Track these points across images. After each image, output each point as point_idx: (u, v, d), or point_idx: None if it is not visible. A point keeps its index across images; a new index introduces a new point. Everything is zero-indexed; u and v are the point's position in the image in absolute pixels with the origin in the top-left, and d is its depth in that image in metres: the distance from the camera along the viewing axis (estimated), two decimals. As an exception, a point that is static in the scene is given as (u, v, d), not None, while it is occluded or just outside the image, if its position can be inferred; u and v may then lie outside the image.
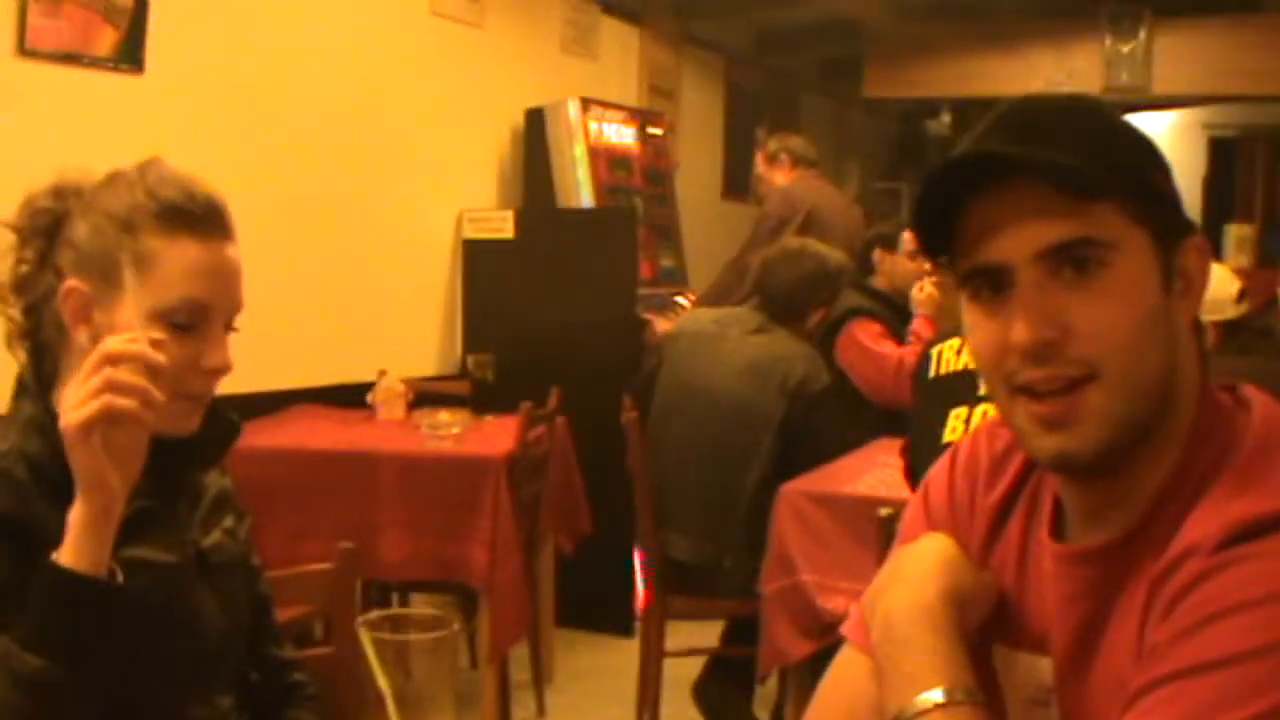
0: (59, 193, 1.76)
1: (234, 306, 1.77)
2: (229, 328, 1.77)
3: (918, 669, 1.26)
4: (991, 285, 1.25)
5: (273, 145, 5.06)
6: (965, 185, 1.25)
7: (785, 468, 4.15)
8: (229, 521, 1.92)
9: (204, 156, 4.74)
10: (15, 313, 1.78)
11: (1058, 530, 1.34)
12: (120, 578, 1.53)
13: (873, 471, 3.99)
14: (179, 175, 1.75)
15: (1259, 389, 1.30)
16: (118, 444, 1.49)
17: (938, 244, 1.29)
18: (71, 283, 1.70)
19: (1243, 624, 1.09)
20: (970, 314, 1.29)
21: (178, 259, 1.69)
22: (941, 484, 1.49)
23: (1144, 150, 1.28)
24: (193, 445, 1.79)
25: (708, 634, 4.63)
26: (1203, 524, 1.17)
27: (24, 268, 1.76)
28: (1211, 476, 1.21)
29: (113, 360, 1.48)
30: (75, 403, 1.47)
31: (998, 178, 1.23)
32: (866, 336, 5.16)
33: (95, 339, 1.65)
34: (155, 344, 1.57)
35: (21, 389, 1.76)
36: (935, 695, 1.23)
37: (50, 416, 1.65)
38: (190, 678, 1.79)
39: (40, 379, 1.75)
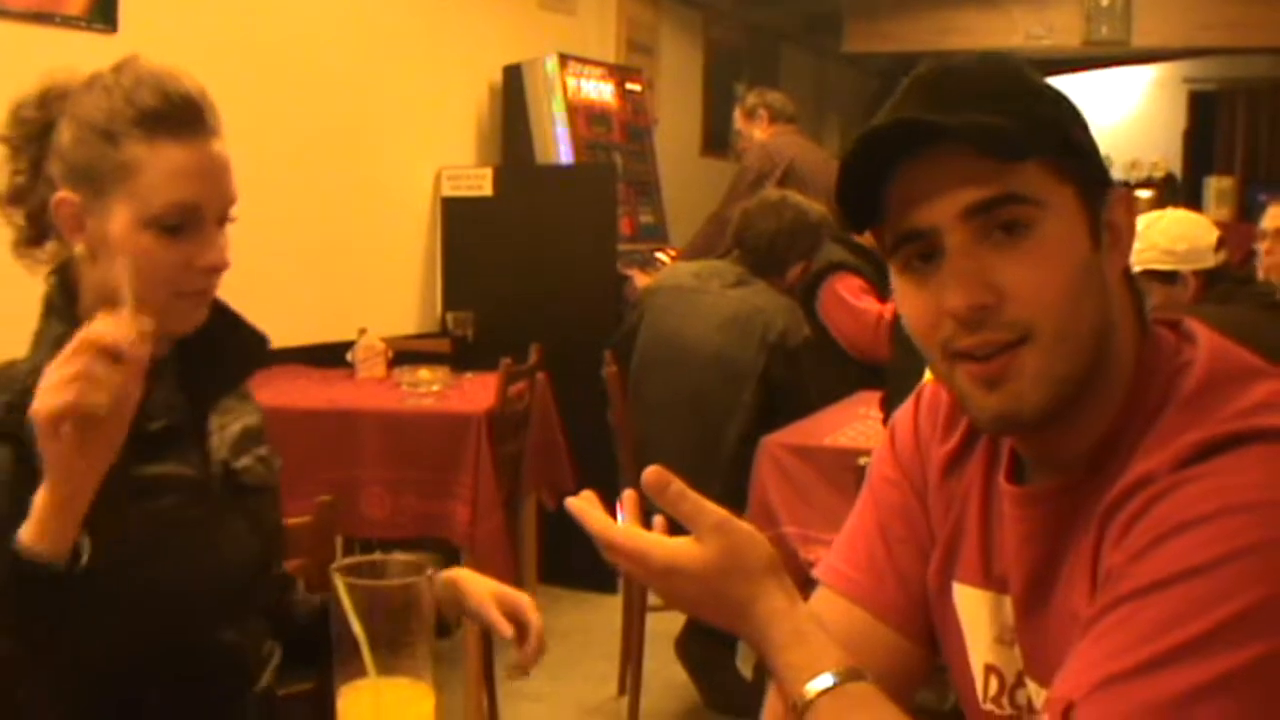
0: (44, 100, 1.76)
1: (225, 201, 1.75)
2: (224, 221, 1.76)
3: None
4: (920, 254, 1.26)
5: (249, 104, 5.02)
6: (887, 155, 1.25)
7: (766, 421, 4.16)
8: (262, 450, 1.94)
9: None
10: (19, 220, 1.79)
11: (1015, 473, 1.35)
12: (85, 558, 1.49)
13: (853, 424, 3.99)
14: (156, 74, 1.72)
15: (1205, 325, 1.31)
16: (88, 436, 1.43)
17: (864, 216, 1.29)
18: (61, 194, 1.70)
19: (1195, 540, 1.10)
20: (901, 285, 1.29)
21: (161, 164, 1.68)
22: (907, 424, 1.51)
23: (1064, 108, 1.28)
24: (220, 361, 1.84)
25: (690, 588, 4.62)
26: (1153, 454, 1.18)
27: (19, 178, 1.76)
28: (1158, 411, 1.22)
29: (92, 348, 1.41)
30: (46, 388, 1.42)
31: (919, 145, 1.23)
32: (848, 291, 5.16)
33: (92, 250, 1.71)
34: (146, 252, 1.66)
35: (49, 308, 1.78)
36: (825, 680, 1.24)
37: (69, 329, 1.61)
38: (220, 598, 1.80)
39: (66, 296, 1.76)
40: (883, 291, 5.14)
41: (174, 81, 1.72)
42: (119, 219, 1.68)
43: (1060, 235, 1.21)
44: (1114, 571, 1.15)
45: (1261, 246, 4.67)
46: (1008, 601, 1.34)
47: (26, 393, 1.58)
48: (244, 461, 1.88)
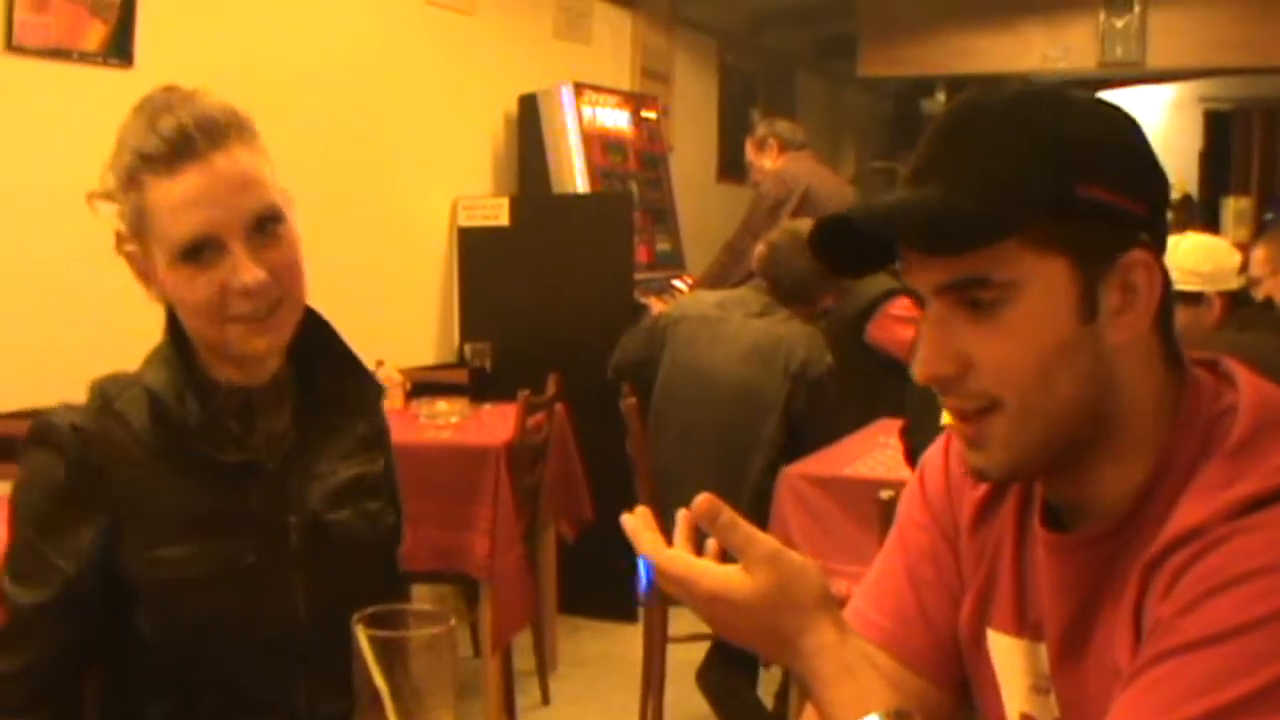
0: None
1: (243, 216, 1.69)
2: (255, 235, 1.70)
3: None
4: (922, 303, 1.27)
5: (266, 136, 5.03)
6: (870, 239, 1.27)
7: (790, 451, 4.15)
8: (373, 504, 1.92)
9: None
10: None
11: (1050, 520, 1.33)
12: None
13: (872, 453, 3.98)
14: (154, 110, 1.71)
15: (1242, 364, 1.29)
16: None
17: (869, 263, 1.31)
18: (128, 246, 1.75)
19: (1243, 595, 1.08)
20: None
21: (163, 202, 1.67)
22: (938, 467, 1.49)
23: (1079, 161, 1.20)
24: (331, 406, 1.87)
25: (711, 619, 4.60)
26: (1200, 505, 1.16)
27: (120, 223, 1.78)
28: (1201, 460, 1.20)
29: None
30: None
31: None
32: (903, 310, 5.13)
33: (163, 294, 1.74)
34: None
35: (166, 329, 1.82)
36: None
37: (177, 351, 1.76)
38: (258, 649, 1.77)
39: (175, 322, 1.80)
40: None
41: (164, 116, 1.69)
42: (159, 262, 1.70)
43: (1035, 310, 1.19)
44: (1162, 623, 1.13)
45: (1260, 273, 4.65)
46: (1043, 649, 1.32)
47: (101, 413, 1.73)
48: (341, 514, 1.85)
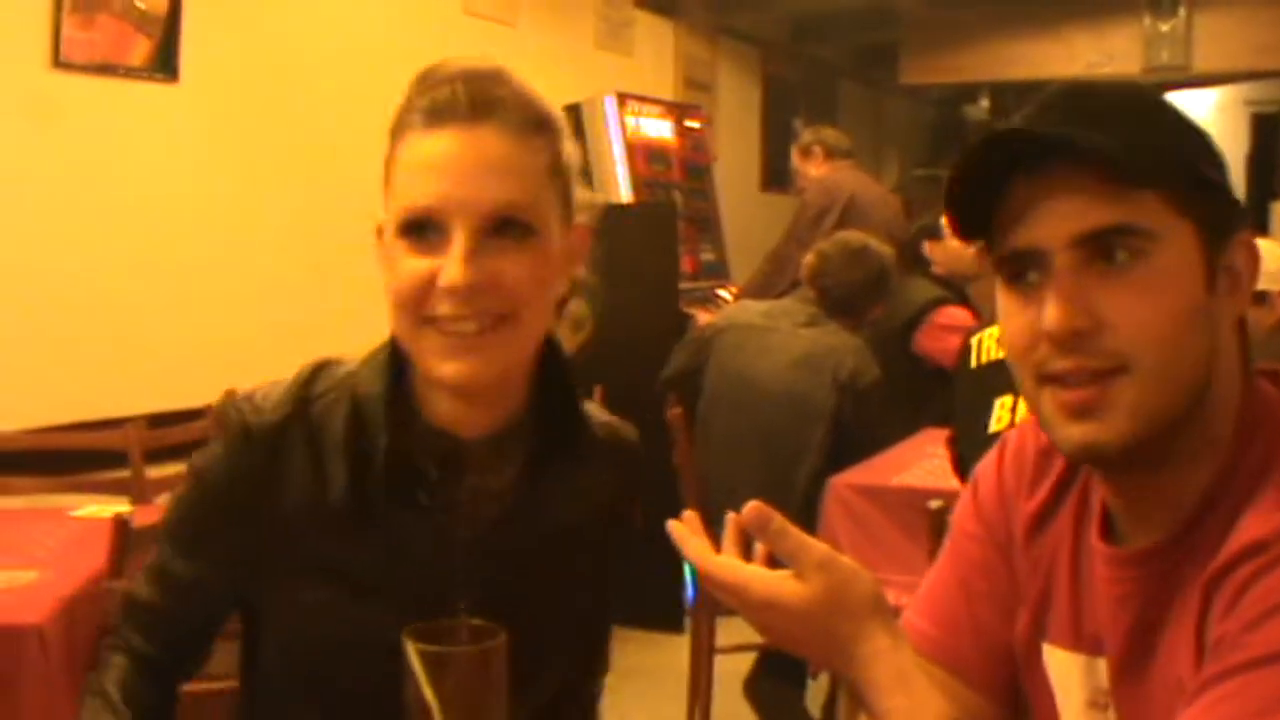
0: None
1: (483, 202, 1.39)
2: (501, 234, 1.40)
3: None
4: (1028, 270, 1.22)
5: (309, 149, 5.07)
6: (1003, 165, 1.21)
7: (837, 461, 4.13)
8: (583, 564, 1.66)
9: (241, 161, 4.79)
10: None
11: (1108, 532, 1.31)
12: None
13: (920, 463, 3.96)
14: (436, 70, 1.48)
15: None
16: None
17: (974, 225, 1.25)
18: (379, 224, 1.49)
19: None
20: (1004, 299, 1.25)
21: (408, 159, 1.43)
22: (991, 477, 1.47)
23: (1197, 141, 1.23)
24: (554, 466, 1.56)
25: (759, 629, 4.59)
26: (1262, 519, 1.14)
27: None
28: (1263, 473, 1.18)
29: None
30: None
31: (1037, 160, 1.19)
32: (952, 320, 5.11)
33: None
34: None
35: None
36: None
37: (395, 361, 1.50)
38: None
39: None
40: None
41: (447, 65, 1.47)
42: (388, 226, 1.44)
43: (1171, 270, 1.17)
44: (1226, 640, 1.11)
45: None
46: (1101, 664, 1.30)
47: (292, 415, 1.51)
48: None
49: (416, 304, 1.40)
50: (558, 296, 1.50)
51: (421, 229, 1.40)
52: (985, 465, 1.49)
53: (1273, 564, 1.10)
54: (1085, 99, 1.24)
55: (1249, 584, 1.11)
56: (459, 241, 1.38)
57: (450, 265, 1.37)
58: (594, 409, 1.67)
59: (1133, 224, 1.16)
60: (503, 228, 1.40)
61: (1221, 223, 1.21)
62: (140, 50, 4.38)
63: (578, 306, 1.65)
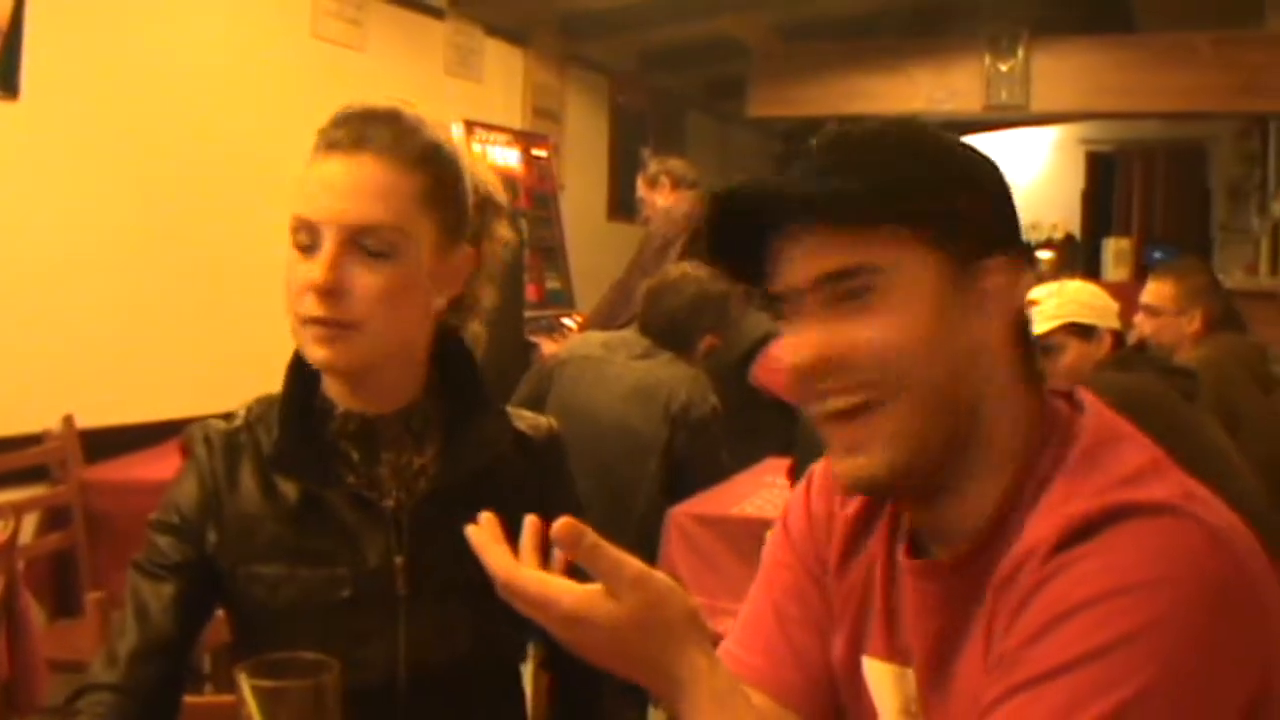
0: None
1: (348, 218, 1.63)
2: (362, 249, 1.64)
3: None
4: (789, 309, 1.29)
5: (154, 168, 4.98)
6: (752, 219, 1.28)
7: (674, 493, 4.13)
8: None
9: (83, 181, 4.70)
10: None
11: (916, 547, 1.36)
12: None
13: (760, 493, 4.00)
14: (354, 105, 1.74)
15: (1093, 394, 1.33)
16: None
17: (743, 274, 1.33)
18: None
19: (1082, 625, 1.11)
20: (783, 340, 1.31)
21: (303, 179, 1.69)
22: (799, 509, 1.52)
23: (948, 173, 1.29)
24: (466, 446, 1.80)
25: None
26: (1038, 526, 1.19)
27: None
28: (1047, 481, 1.24)
29: None
30: None
31: (780, 214, 1.27)
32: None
33: None
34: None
35: None
36: None
37: (303, 364, 1.76)
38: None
39: None
40: None
41: (353, 105, 1.73)
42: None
43: (911, 299, 1.23)
44: (1007, 657, 1.15)
45: (1137, 319, 4.74)
46: (910, 674, 1.35)
47: (241, 429, 1.80)
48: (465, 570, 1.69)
49: (297, 301, 1.66)
50: (434, 311, 1.77)
51: (303, 237, 1.66)
52: (794, 497, 1.54)
53: (1048, 577, 1.15)
54: (836, 149, 1.30)
55: (1028, 596, 1.16)
56: (326, 249, 1.63)
57: (315, 267, 1.63)
58: (515, 411, 1.98)
59: (862, 264, 1.23)
60: (361, 242, 1.64)
61: (970, 249, 1.27)
62: (-23, 67, 4.28)
63: (476, 327, 1.81)
